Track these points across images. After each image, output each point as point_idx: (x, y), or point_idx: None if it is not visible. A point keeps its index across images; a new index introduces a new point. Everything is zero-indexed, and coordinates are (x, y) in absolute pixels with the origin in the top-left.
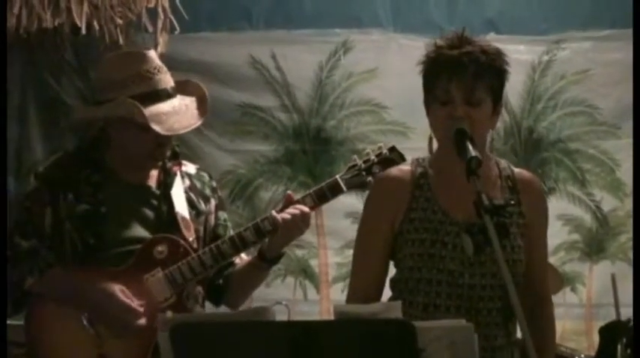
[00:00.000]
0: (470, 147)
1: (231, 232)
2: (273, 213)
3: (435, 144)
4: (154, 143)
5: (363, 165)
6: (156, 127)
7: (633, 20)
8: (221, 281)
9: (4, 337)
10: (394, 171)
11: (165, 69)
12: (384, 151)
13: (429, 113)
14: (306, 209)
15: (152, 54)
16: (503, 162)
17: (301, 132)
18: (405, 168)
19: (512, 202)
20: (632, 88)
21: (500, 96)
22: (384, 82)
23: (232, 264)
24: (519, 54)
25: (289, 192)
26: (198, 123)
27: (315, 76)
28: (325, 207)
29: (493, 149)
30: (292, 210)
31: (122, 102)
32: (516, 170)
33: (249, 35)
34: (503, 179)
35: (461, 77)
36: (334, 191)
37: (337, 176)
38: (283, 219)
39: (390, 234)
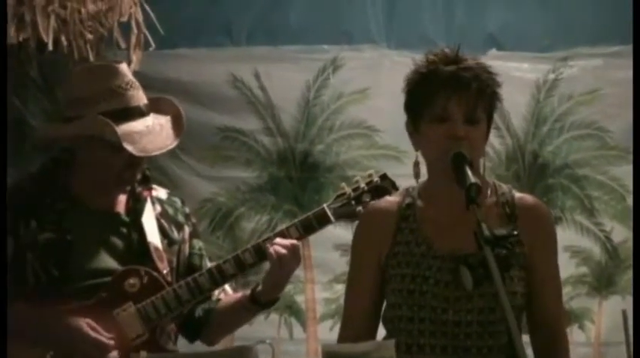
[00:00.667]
0: (469, 172)
1: (208, 262)
2: (267, 245)
3: (423, 170)
4: (124, 165)
5: (352, 194)
6: (128, 147)
7: (633, 34)
8: (200, 314)
9: (4, 337)
10: (381, 203)
11: (137, 84)
12: (375, 179)
13: (418, 132)
14: (294, 242)
15: (124, 67)
16: (505, 187)
17: (286, 158)
18: (392, 199)
19: (516, 233)
20: (632, 101)
21: (492, 118)
22: (377, 103)
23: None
24: (523, 72)
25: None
26: (174, 144)
27: (302, 96)
28: (312, 238)
29: (491, 174)
30: (281, 240)
31: (92, 120)
32: (517, 195)
33: (230, 52)
34: (501, 205)
35: (462, 94)
36: (321, 221)
37: (325, 205)
38: (275, 250)
39: (377, 269)
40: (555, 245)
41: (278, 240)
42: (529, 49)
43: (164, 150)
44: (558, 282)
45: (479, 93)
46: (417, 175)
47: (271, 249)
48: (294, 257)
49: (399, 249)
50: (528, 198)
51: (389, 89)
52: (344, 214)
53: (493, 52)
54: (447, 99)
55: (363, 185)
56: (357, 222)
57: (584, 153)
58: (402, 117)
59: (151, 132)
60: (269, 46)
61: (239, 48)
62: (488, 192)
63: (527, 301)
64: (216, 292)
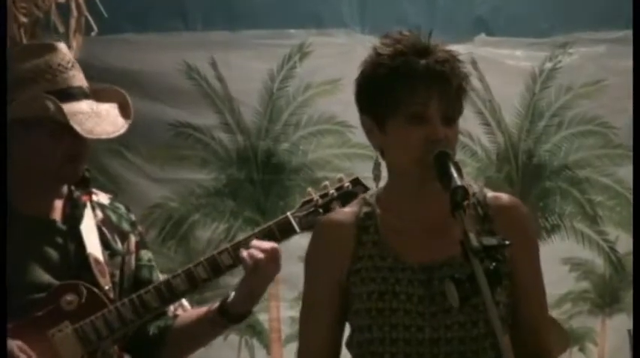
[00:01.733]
0: (455, 174)
1: (160, 276)
2: (243, 252)
3: (384, 173)
4: (65, 156)
5: (319, 201)
6: (76, 127)
7: (633, 22)
8: (155, 332)
9: (4, 337)
10: (335, 215)
11: (78, 65)
12: (346, 184)
13: (384, 133)
14: (274, 245)
15: (64, 46)
16: (475, 187)
17: (247, 157)
18: (348, 210)
19: (507, 242)
20: (632, 92)
21: (462, 113)
22: (350, 95)
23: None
24: (516, 60)
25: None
26: (124, 128)
27: (265, 87)
28: None
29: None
30: (258, 242)
31: (35, 98)
32: (490, 194)
33: (183, 37)
34: (472, 207)
35: (443, 92)
36: (285, 231)
37: (289, 213)
38: (250, 254)
39: (336, 289)
40: (537, 248)
41: (255, 242)
42: (523, 34)
43: (113, 135)
44: (542, 289)
45: (459, 90)
46: (377, 178)
47: (245, 253)
48: (272, 262)
49: (362, 264)
50: (503, 197)
51: None
52: (310, 224)
53: (482, 37)
54: (427, 98)
55: (332, 191)
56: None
57: (585, 152)
58: None
59: (97, 115)
60: (227, 30)
61: (194, 33)
62: None
63: (509, 311)
64: (172, 307)
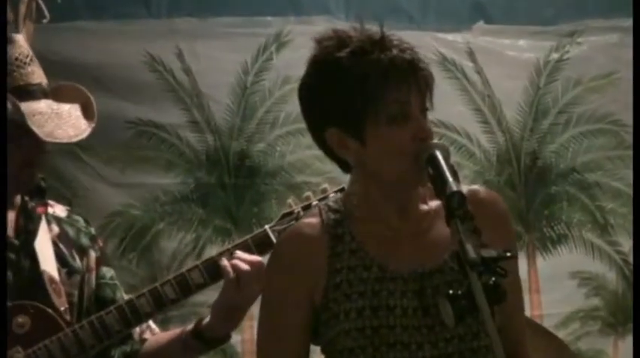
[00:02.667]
0: (450, 178)
1: (124, 295)
2: (225, 262)
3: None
4: (21, 162)
5: (301, 213)
6: (35, 129)
7: (633, 20)
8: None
9: (5, 337)
10: (299, 227)
11: (36, 60)
12: (331, 194)
13: (364, 143)
14: (259, 259)
15: (21, 38)
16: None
17: (218, 160)
18: (311, 220)
19: (509, 254)
20: (632, 88)
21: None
22: None
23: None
24: (518, 51)
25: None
26: (87, 132)
27: (238, 81)
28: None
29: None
30: (242, 254)
31: None
32: (465, 189)
33: (146, 25)
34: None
35: (417, 83)
36: (263, 246)
37: (267, 227)
38: (234, 265)
39: (309, 311)
40: (515, 246)
41: (239, 253)
42: (527, 22)
43: (76, 139)
44: (520, 291)
45: (430, 79)
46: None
47: (228, 264)
48: (257, 278)
49: (342, 277)
50: (480, 190)
51: None
52: None
53: (480, 25)
54: (406, 93)
55: (315, 202)
56: None
57: (595, 153)
58: None
59: (58, 116)
60: (195, 17)
61: (158, 20)
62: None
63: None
64: (138, 329)
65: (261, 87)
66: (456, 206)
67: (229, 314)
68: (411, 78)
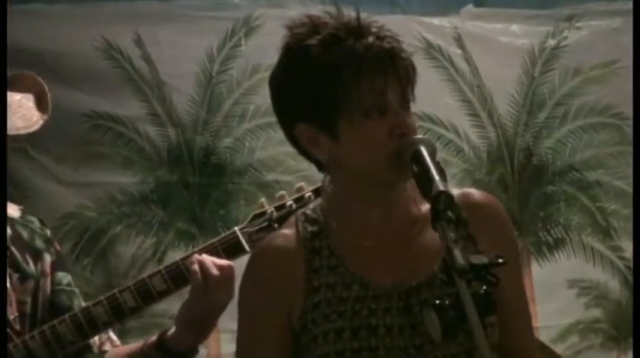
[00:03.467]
0: (436, 177)
1: (82, 303)
2: (194, 265)
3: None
4: None
5: (275, 214)
6: None
7: (633, 18)
8: None
9: (4, 337)
10: (273, 239)
11: None
12: (307, 194)
13: (337, 139)
14: (230, 263)
15: None
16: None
17: (181, 156)
18: (286, 231)
19: (501, 260)
20: (632, 78)
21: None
22: None
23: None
24: (511, 37)
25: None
26: (38, 124)
27: (203, 70)
28: None
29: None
30: (212, 258)
31: None
32: (456, 192)
33: (102, 8)
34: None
35: (397, 73)
36: (232, 251)
37: (237, 228)
38: (203, 268)
39: (287, 333)
40: (518, 253)
41: (207, 256)
42: (521, 5)
43: (25, 131)
44: (526, 303)
45: (411, 69)
46: (323, 189)
47: (197, 267)
48: (227, 284)
49: (321, 296)
50: (473, 193)
51: None
52: None
53: (469, 8)
54: (383, 84)
55: (290, 202)
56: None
57: (596, 149)
58: None
59: (8, 107)
60: (157, 0)
61: (115, 3)
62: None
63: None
64: (97, 341)
65: (228, 76)
66: (443, 207)
67: (196, 324)
68: (389, 68)
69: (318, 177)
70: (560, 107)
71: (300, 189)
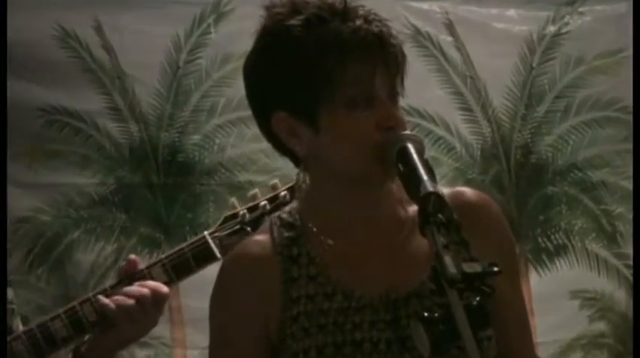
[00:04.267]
0: (424, 176)
1: (20, 324)
2: (101, 298)
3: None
4: None
5: (247, 216)
6: None
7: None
8: None
9: (4, 336)
10: (246, 246)
11: None
12: (283, 193)
13: (317, 131)
14: (162, 288)
15: None
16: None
17: (144, 155)
18: (260, 237)
19: (496, 269)
20: (632, 85)
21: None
22: None
23: None
24: (508, 23)
25: (133, 256)
26: None
27: (168, 59)
28: (187, 280)
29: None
30: (137, 288)
31: None
32: (447, 191)
33: None
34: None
35: (385, 60)
36: (202, 257)
37: (206, 233)
38: (118, 305)
39: (260, 346)
40: (516, 258)
41: (132, 288)
42: None
43: None
44: (526, 312)
45: (402, 58)
46: (297, 189)
47: (110, 302)
48: (155, 309)
49: (300, 308)
50: (466, 192)
51: None
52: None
53: None
54: (370, 72)
55: (264, 202)
56: None
57: (600, 147)
58: None
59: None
60: None
61: None
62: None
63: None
64: None
65: (196, 66)
66: (433, 210)
67: (113, 342)
68: (378, 54)
69: (294, 176)
70: (561, 100)
71: (274, 187)
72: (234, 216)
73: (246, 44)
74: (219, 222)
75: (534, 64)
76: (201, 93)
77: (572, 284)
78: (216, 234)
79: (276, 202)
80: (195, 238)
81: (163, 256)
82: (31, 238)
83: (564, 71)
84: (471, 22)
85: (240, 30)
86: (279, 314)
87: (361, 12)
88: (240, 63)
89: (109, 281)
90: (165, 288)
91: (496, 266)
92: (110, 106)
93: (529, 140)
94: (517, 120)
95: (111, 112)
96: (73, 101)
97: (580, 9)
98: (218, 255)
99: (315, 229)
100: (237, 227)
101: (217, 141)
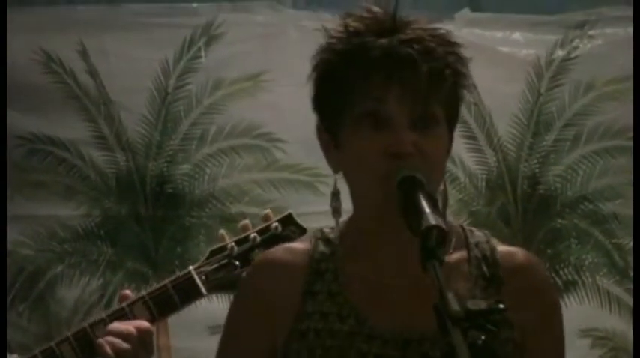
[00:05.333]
0: (426, 208)
1: None
2: (101, 342)
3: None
4: None
5: (236, 249)
6: None
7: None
8: None
9: (4, 337)
10: (280, 251)
11: None
12: (274, 224)
13: (337, 146)
14: (144, 324)
15: None
16: (480, 235)
17: (132, 185)
18: (297, 245)
19: (502, 306)
20: (633, 89)
21: (457, 118)
22: (278, 96)
23: None
24: (514, 46)
25: (126, 291)
26: None
27: (156, 85)
28: (173, 318)
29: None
30: (120, 325)
31: None
32: (501, 248)
33: (40, 14)
34: (474, 262)
35: (405, 81)
36: (186, 294)
37: (191, 268)
38: (110, 342)
39: (267, 354)
40: (561, 326)
41: (115, 324)
42: (524, 10)
43: None
44: None
45: (432, 78)
46: (336, 211)
47: (104, 342)
48: (143, 350)
49: (310, 324)
50: (518, 252)
51: (297, 74)
52: (223, 283)
53: (465, 13)
54: (384, 90)
55: (254, 235)
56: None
57: (612, 177)
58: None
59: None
60: (103, 4)
61: (54, 7)
62: (453, 240)
63: None
64: None
65: (185, 92)
66: (434, 245)
67: None
68: (397, 73)
69: (290, 208)
70: (570, 128)
71: (266, 218)
72: (222, 249)
73: (238, 69)
74: (205, 256)
75: (542, 90)
76: (191, 121)
77: (583, 322)
78: (202, 269)
79: (267, 234)
80: (179, 273)
81: (145, 292)
82: (11, 273)
83: (573, 97)
84: (475, 46)
85: (231, 54)
86: (289, 325)
87: (409, 30)
88: (232, 89)
89: (93, 318)
90: (146, 324)
91: (502, 303)
92: (95, 134)
93: (536, 170)
94: (524, 149)
95: (96, 141)
96: (57, 129)
97: (590, 32)
98: (204, 291)
99: (347, 250)
100: (225, 261)
101: (208, 171)
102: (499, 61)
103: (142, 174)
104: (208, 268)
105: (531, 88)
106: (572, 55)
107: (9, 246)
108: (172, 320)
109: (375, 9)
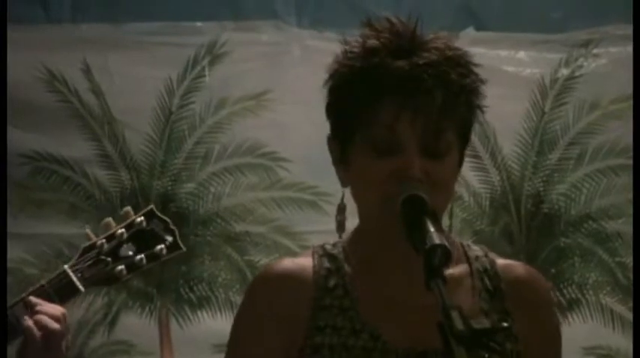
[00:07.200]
0: (431, 228)
1: None
2: (28, 321)
3: (354, 220)
4: None
5: (105, 246)
6: None
7: (633, 20)
8: None
9: (4, 337)
10: (287, 263)
11: None
12: (139, 219)
13: (347, 164)
14: (58, 307)
15: None
16: (477, 250)
17: (136, 204)
18: (303, 260)
19: (506, 324)
20: (633, 92)
21: (468, 142)
22: (282, 115)
23: None
24: (518, 65)
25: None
26: None
27: (160, 104)
28: (178, 335)
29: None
30: (47, 307)
31: None
32: (500, 261)
33: (44, 32)
34: (477, 275)
35: (419, 110)
36: (65, 292)
37: (66, 266)
38: (42, 326)
39: None
40: (560, 340)
41: (41, 306)
42: (529, 29)
43: None
44: None
45: (446, 105)
46: (340, 226)
47: (32, 323)
48: (65, 331)
49: (324, 339)
50: (519, 267)
51: (301, 92)
52: (99, 278)
53: (470, 32)
54: (396, 116)
55: (121, 230)
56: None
57: (616, 196)
58: (321, 139)
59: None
60: (107, 23)
61: (58, 26)
62: (462, 257)
63: None
64: None
65: (189, 111)
66: (438, 263)
67: None
68: (410, 99)
69: (294, 227)
70: (574, 147)
71: (127, 214)
72: (92, 246)
73: (242, 88)
74: (78, 253)
75: (546, 109)
76: (195, 140)
77: (586, 340)
78: (77, 267)
79: (133, 229)
80: (55, 273)
81: (24, 295)
82: (15, 292)
83: (578, 116)
84: (480, 65)
85: (235, 73)
86: (301, 342)
87: (426, 52)
88: (236, 107)
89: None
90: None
91: (506, 321)
92: (100, 153)
93: (540, 189)
94: (528, 168)
95: (100, 159)
96: (61, 147)
97: (595, 51)
98: (81, 287)
99: (356, 266)
100: (95, 258)
101: (212, 189)
102: (503, 79)
103: (146, 193)
104: (83, 265)
105: (535, 106)
106: (577, 74)
107: (13, 264)
108: (177, 337)
109: (394, 20)
